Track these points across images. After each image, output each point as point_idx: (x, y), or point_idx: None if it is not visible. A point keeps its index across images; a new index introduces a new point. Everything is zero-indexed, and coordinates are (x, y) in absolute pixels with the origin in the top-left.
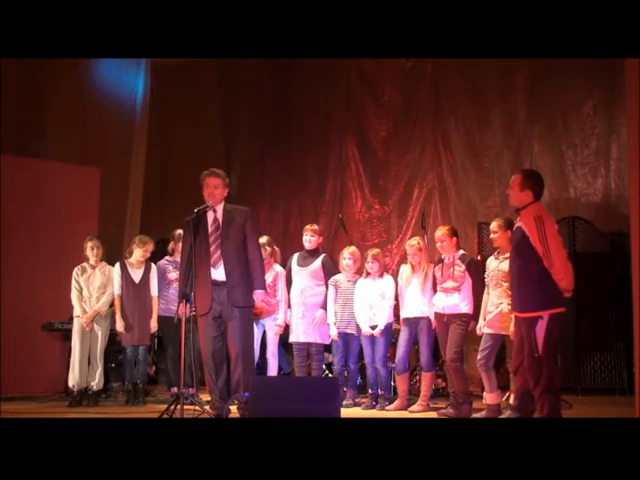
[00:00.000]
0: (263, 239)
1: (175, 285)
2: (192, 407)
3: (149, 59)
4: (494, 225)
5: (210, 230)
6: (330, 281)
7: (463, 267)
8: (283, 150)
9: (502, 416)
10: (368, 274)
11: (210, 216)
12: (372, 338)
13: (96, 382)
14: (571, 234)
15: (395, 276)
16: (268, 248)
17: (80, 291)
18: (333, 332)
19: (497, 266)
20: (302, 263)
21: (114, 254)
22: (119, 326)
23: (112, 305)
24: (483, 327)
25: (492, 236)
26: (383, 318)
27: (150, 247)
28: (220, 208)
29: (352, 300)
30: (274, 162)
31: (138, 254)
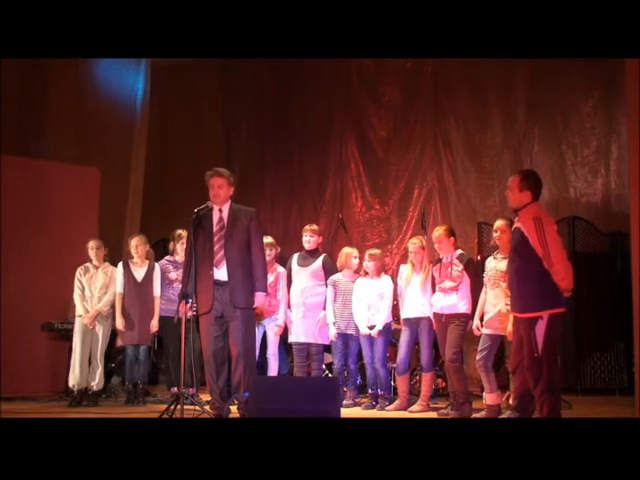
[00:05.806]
0: (268, 239)
1: (175, 285)
2: (192, 407)
3: (149, 59)
4: (501, 224)
5: (215, 229)
6: (329, 281)
7: (461, 267)
8: (283, 150)
9: (502, 416)
10: (366, 273)
11: (216, 215)
12: (371, 338)
13: (96, 382)
14: (571, 234)
15: (395, 276)
16: (272, 250)
17: (82, 291)
18: (332, 332)
19: (495, 266)
20: (302, 263)
21: (114, 254)
22: (118, 323)
23: (114, 305)
24: (480, 327)
25: (496, 234)
26: (381, 318)
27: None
28: (226, 208)
29: (351, 300)
30: (274, 162)
31: (132, 252)
